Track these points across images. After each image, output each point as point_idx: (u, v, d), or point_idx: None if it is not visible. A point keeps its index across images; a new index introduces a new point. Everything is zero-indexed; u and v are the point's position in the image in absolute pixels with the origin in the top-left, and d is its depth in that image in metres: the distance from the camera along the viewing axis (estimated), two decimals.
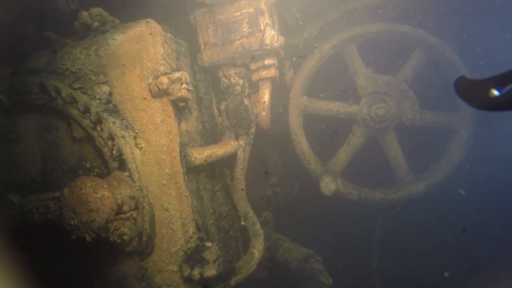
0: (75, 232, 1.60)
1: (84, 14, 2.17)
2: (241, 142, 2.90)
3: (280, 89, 3.34)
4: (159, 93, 2.03)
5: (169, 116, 2.11)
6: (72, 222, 1.59)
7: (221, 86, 2.83)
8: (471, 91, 1.27)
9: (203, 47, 2.70)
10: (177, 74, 2.02)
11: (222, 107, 2.97)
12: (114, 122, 1.95)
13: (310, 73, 3.38)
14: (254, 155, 3.06)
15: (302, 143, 3.39)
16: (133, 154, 1.94)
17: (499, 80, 1.16)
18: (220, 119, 2.95)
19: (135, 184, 1.91)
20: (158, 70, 2.09)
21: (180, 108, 2.22)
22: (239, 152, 2.79)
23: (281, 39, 2.61)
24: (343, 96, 3.82)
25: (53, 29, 2.56)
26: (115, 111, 2.00)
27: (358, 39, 3.36)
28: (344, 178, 3.37)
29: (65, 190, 1.64)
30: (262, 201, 3.47)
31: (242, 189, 2.85)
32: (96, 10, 2.18)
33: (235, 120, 2.87)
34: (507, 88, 1.13)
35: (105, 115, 1.95)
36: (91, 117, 1.97)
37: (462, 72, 3.16)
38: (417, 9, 3.36)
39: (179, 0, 2.88)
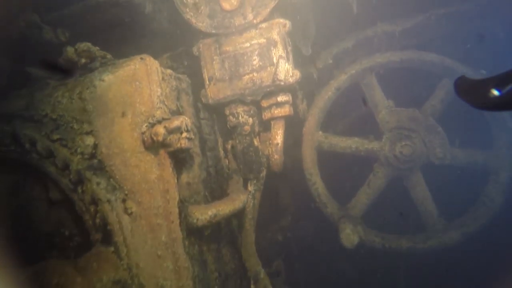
0: None
1: (69, 50, 1.82)
2: (250, 188, 2.50)
3: (292, 121, 2.96)
4: (154, 145, 1.66)
5: (167, 171, 1.72)
6: None
7: (228, 125, 2.45)
8: (471, 91, 1.23)
9: (207, 82, 2.34)
10: (175, 123, 1.65)
11: (229, 146, 2.60)
12: (98, 183, 1.57)
13: (326, 106, 3.01)
14: (263, 193, 2.67)
15: (317, 184, 2.98)
16: (121, 223, 1.55)
17: (499, 80, 1.13)
18: (227, 161, 2.57)
19: (122, 262, 1.51)
20: (154, 116, 1.72)
21: (179, 158, 1.85)
22: (248, 199, 2.40)
23: (297, 73, 2.25)
24: (360, 128, 3.45)
25: (38, 64, 2.23)
26: (100, 168, 1.62)
27: (378, 69, 3.00)
28: (365, 222, 2.96)
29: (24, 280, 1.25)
30: (272, 249, 3.05)
31: (251, 243, 2.45)
32: (83, 45, 1.83)
33: (243, 163, 2.49)
34: (507, 88, 1.11)
35: (87, 174, 1.57)
36: (71, 176, 1.59)
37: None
38: (443, 35, 3.02)
39: (181, 29, 2.56)
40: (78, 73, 1.84)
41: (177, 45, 2.62)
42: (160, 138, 1.60)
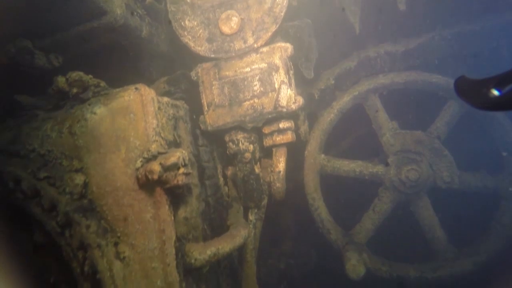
0: None
1: (60, 80, 1.70)
2: (251, 217, 2.37)
3: (294, 143, 2.84)
4: (149, 183, 1.54)
5: (163, 209, 1.59)
6: None
7: (227, 152, 2.33)
8: (471, 91, 1.22)
9: (206, 108, 2.23)
10: (172, 159, 1.52)
11: (229, 172, 2.47)
12: (88, 226, 1.44)
13: (328, 128, 2.90)
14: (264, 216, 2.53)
15: (320, 209, 2.85)
16: (112, 271, 1.41)
17: (499, 80, 1.12)
18: (227, 188, 2.44)
19: None
20: (149, 150, 1.60)
21: (177, 194, 1.72)
22: (249, 232, 2.26)
23: (300, 100, 2.14)
24: (363, 147, 3.34)
25: (29, 91, 2.10)
26: (90, 209, 1.49)
27: (381, 90, 2.90)
28: (370, 248, 2.82)
29: None
30: (274, 277, 2.90)
31: (253, 275, 2.30)
32: (75, 75, 1.71)
33: (244, 192, 2.36)
34: (507, 88, 1.10)
35: (76, 216, 1.44)
36: (58, 218, 1.46)
37: (507, 128, 2.68)
38: (447, 56, 2.93)
39: (180, 52, 2.46)
40: (69, 104, 1.72)
41: (175, 68, 2.51)
42: (156, 177, 1.48)
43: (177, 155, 1.54)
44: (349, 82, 3.02)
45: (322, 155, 2.90)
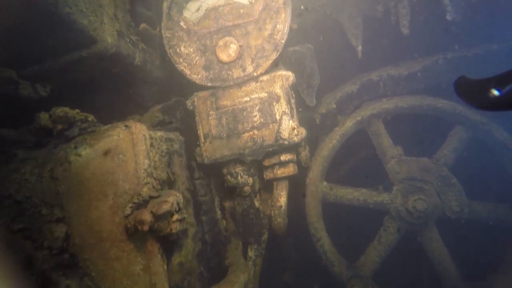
0: None
1: (43, 117, 1.55)
2: (251, 254, 2.20)
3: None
4: (139, 234, 1.37)
5: (154, 260, 1.41)
6: None
7: (225, 185, 2.17)
8: (471, 91, 1.22)
9: (203, 140, 2.07)
10: (164, 208, 1.36)
11: (227, 204, 2.31)
12: (67, 287, 1.26)
13: (330, 155, 2.75)
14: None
15: (323, 240, 2.68)
16: None
17: (499, 80, 1.11)
18: (224, 222, 2.27)
19: None
20: (140, 194, 1.44)
21: (170, 240, 1.55)
22: (249, 274, 2.08)
23: (302, 131, 1.99)
24: (365, 171, 3.19)
25: (14, 124, 1.94)
26: (71, 265, 1.31)
27: (385, 115, 2.77)
28: (375, 281, 2.64)
29: None
30: None
31: None
32: (59, 111, 1.56)
33: (243, 226, 2.19)
34: (507, 88, 1.09)
35: (54, 275, 1.26)
36: (33, 278, 1.29)
37: None
38: (452, 79, 2.81)
39: (175, 80, 2.32)
40: (52, 142, 1.56)
41: (170, 95, 2.37)
42: (146, 228, 1.31)
43: (170, 202, 1.38)
44: (352, 106, 2.90)
45: (324, 183, 2.75)
